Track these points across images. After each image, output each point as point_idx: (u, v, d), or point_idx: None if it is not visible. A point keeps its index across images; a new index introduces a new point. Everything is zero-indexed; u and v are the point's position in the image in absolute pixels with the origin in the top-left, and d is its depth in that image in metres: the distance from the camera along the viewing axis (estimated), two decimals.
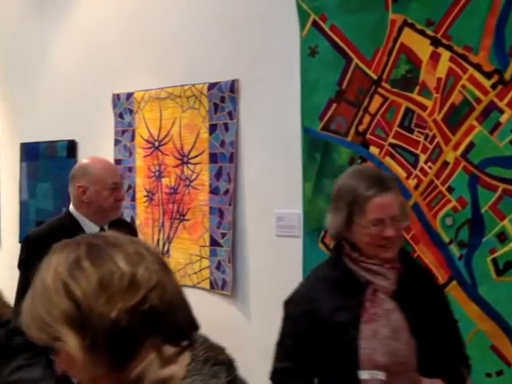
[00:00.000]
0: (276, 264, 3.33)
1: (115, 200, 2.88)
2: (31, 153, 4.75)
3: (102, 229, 2.89)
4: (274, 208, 3.32)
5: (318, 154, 3.11)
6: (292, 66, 3.18)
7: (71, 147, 4.46)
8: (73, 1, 4.47)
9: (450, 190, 2.74)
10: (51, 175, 4.60)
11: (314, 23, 3.08)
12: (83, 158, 4.35)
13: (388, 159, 2.89)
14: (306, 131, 3.15)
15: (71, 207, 2.89)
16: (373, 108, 2.93)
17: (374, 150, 2.93)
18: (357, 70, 2.96)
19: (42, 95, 4.71)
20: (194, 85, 3.67)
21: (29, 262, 2.63)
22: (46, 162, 4.64)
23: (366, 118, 2.95)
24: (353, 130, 2.99)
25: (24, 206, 4.80)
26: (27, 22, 4.83)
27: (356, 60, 2.96)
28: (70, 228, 2.78)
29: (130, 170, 4.00)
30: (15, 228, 4.87)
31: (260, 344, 3.41)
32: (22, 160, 4.81)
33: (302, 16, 3.13)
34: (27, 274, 2.64)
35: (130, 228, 3.18)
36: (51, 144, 4.59)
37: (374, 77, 2.91)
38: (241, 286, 3.48)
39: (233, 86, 3.48)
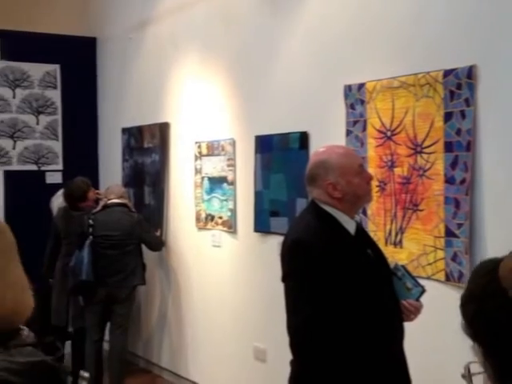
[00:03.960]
0: None
1: (367, 182, 2.74)
2: (265, 145, 4.93)
3: (357, 224, 2.78)
4: None
5: None
6: None
7: (303, 139, 4.56)
8: None
9: None
10: (284, 167, 4.74)
11: None
12: (315, 149, 4.46)
13: None
14: None
15: (323, 206, 2.69)
16: None
17: None
18: None
19: (274, 89, 4.87)
20: (428, 72, 3.59)
21: (309, 269, 2.52)
22: (279, 153, 4.79)
23: None
24: None
25: (258, 197, 5.00)
26: (260, 18, 5.02)
27: None
28: (331, 227, 2.67)
29: (362, 160, 4.00)
30: (250, 217, 5.10)
31: None
32: (256, 152, 5.02)
33: None
34: (310, 283, 2.51)
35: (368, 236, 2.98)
36: (284, 136, 4.74)
37: None
38: None
39: (470, 72, 3.35)
